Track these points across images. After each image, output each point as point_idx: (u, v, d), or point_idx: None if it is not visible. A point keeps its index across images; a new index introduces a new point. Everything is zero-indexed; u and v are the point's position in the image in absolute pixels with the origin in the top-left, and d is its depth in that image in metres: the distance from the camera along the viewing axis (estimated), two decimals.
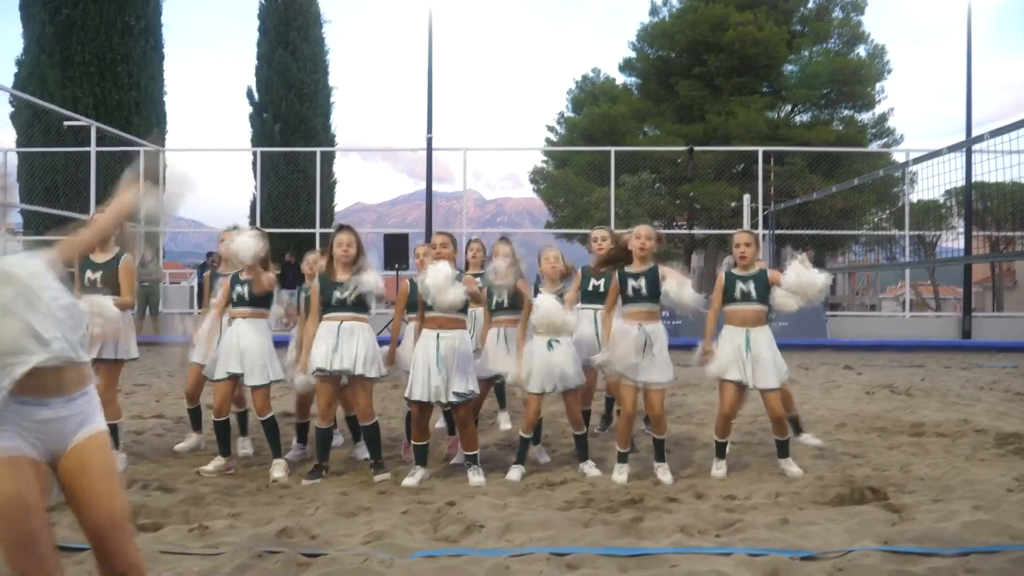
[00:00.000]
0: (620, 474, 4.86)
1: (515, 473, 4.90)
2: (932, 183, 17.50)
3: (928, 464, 5.08)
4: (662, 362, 4.79)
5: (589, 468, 5.00)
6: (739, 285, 5.00)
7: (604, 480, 4.81)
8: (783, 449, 4.97)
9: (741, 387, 4.93)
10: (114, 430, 5.08)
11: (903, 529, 3.63)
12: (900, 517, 3.87)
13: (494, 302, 5.41)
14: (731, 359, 4.90)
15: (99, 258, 5.05)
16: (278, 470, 4.90)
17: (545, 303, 4.93)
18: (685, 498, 4.37)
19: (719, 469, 4.94)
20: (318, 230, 18.48)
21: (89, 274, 5.00)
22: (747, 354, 4.86)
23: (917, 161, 10.97)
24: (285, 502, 4.31)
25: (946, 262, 22.51)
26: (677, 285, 4.76)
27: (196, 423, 5.83)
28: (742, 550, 3.37)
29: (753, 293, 4.95)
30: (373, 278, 4.88)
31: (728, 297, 5.04)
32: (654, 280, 4.83)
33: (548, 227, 27.69)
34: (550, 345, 4.95)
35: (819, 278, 4.82)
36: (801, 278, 4.82)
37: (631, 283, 4.85)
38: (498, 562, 3.25)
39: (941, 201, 21.25)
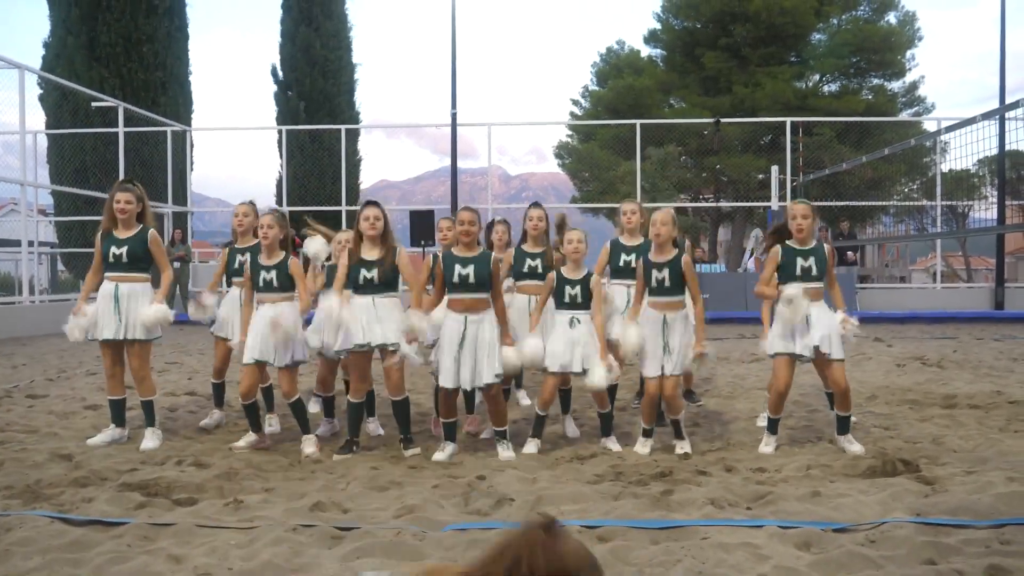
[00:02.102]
0: (643, 447, 4.86)
1: (531, 447, 4.91)
2: (964, 152, 17.19)
3: (961, 436, 5.02)
4: (679, 353, 4.76)
5: (612, 443, 5.01)
6: (800, 261, 4.77)
7: (632, 454, 4.82)
8: (844, 425, 4.82)
9: (794, 362, 4.80)
10: (149, 407, 5.20)
11: (936, 501, 3.60)
12: (933, 489, 3.83)
13: (526, 266, 5.46)
14: (784, 332, 4.77)
15: (123, 234, 5.11)
16: (309, 446, 4.96)
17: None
18: (715, 471, 4.37)
19: (768, 446, 4.83)
20: (344, 208, 18.56)
21: (114, 250, 5.07)
22: (807, 328, 4.69)
23: (949, 130, 10.74)
24: (317, 477, 4.38)
25: (978, 232, 22.08)
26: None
27: (219, 400, 5.92)
28: (773, 522, 3.37)
29: (815, 270, 4.76)
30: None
31: (787, 274, 4.80)
32: (678, 269, 4.78)
33: (573, 202, 27.56)
34: (572, 323, 4.93)
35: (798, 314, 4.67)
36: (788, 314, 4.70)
37: (655, 274, 4.80)
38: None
39: (973, 170, 20.81)
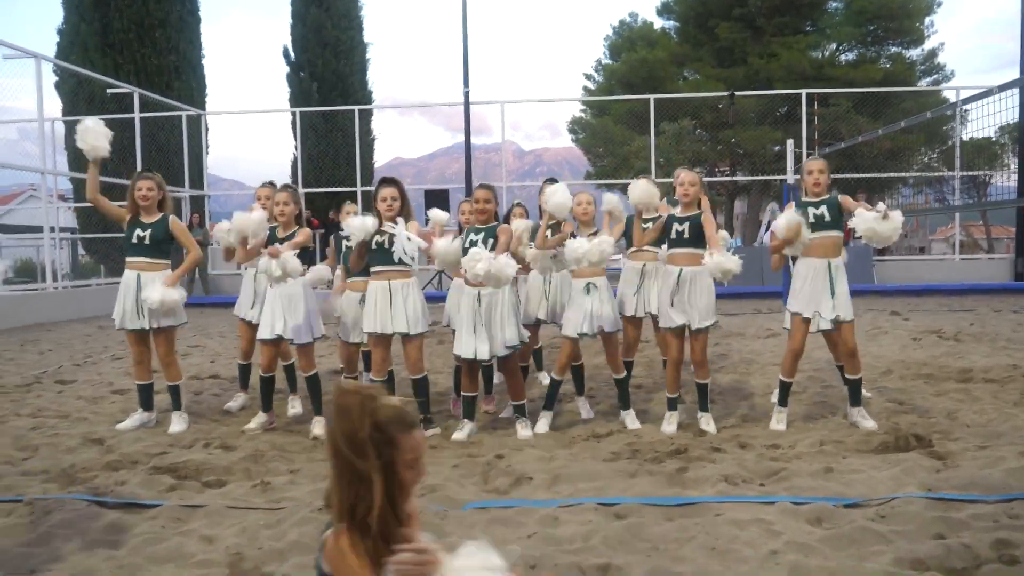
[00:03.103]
0: (669, 424, 4.93)
1: (543, 424, 5.01)
2: (984, 121, 16.89)
3: (975, 411, 5.06)
4: (703, 306, 4.84)
5: (630, 420, 5.09)
6: (811, 211, 4.87)
7: (649, 431, 4.90)
8: (856, 394, 4.89)
9: (809, 323, 4.89)
10: (176, 391, 5.33)
11: (947, 476, 3.66)
12: (944, 464, 3.89)
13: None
14: (803, 290, 4.85)
15: (147, 219, 5.24)
16: (318, 427, 5.06)
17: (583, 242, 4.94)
18: (729, 448, 4.45)
19: (779, 422, 4.89)
20: (359, 188, 18.63)
21: (139, 232, 5.19)
22: (824, 287, 4.78)
23: (967, 101, 10.59)
24: None
25: (997, 205, 21.81)
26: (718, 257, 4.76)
27: (244, 382, 6.06)
28: (786, 498, 3.44)
29: (827, 216, 4.83)
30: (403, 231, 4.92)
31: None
32: (698, 225, 4.87)
33: (588, 177, 27.48)
34: (588, 290, 5.01)
35: (889, 228, 4.64)
36: (871, 227, 4.66)
37: (676, 227, 4.91)
38: (548, 513, 3.37)
39: (994, 138, 20.50)
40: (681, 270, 4.88)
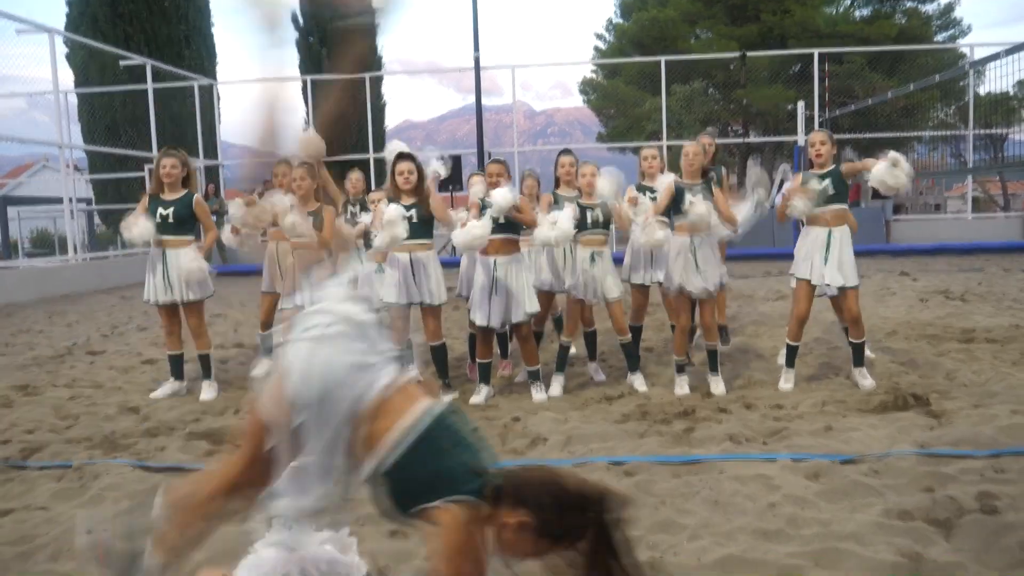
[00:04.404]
0: (681, 387, 5.13)
1: (556, 387, 5.24)
2: (1001, 72, 16.66)
3: (974, 370, 5.23)
4: (711, 273, 5.03)
5: (638, 383, 5.29)
6: (816, 184, 5.00)
7: (658, 394, 5.11)
8: (859, 356, 5.06)
9: (814, 288, 5.07)
10: (206, 360, 5.59)
11: (940, 433, 3.86)
12: (939, 422, 4.08)
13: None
14: (807, 257, 5.02)
15: (169, 196, 5.41)
16: None
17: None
18: (735, 408, 4.65)
19: (787, 382, 5.08)
20: (371, 155, 18.74)
21: (161, 210, 5.37)
22: (826, 254, 4.94)
23: (976, 64, 10.54)
24: None
25: (1013, 166, 21.60)
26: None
27: (268, 350, 6.30)
28: (786, 455, 3.66)
29: (831, 189, 4.97)
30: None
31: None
32: (707, 192, 5.06)
33: (599, 139, 27.41)
34: (592, 259, 5.19)
35: (897, 176, 4.77)
36: (881, 178, 4.80)
37: (687, 196, 5.06)
38: (563, 472, 3.60)
39: (1012, 93, 20.25)
40: (690, 238, 5.05)
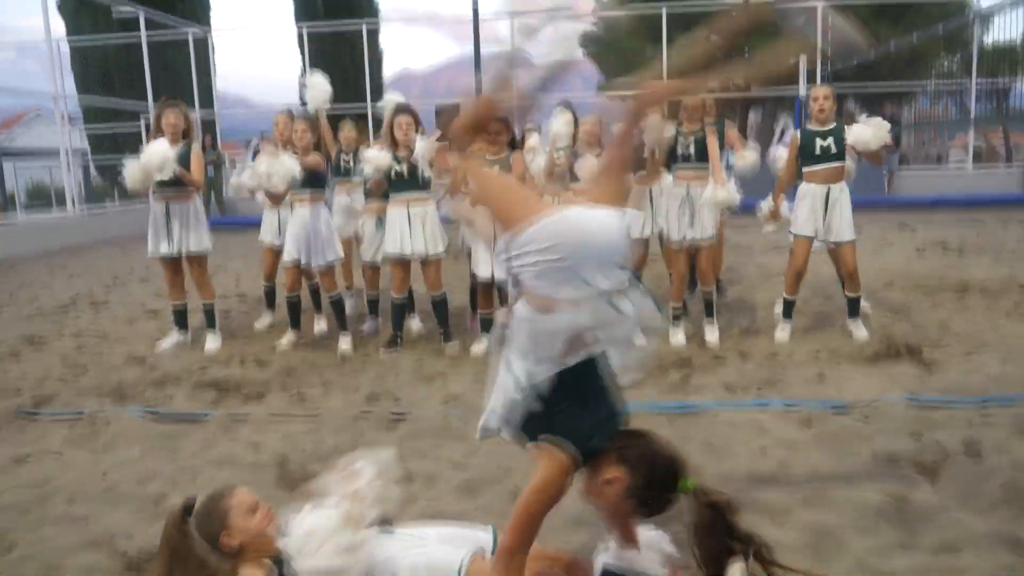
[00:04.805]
0: (676, 336, 5.23)
1: None
2: (1007, 22, 16.42)
3: (967, 321, 5.32)
4: (708, 222, 5.09)
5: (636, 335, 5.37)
6: (818, 141, 5.02)
7: (656, 344, 5.18)
8: (854, 308, 5.13)
9: (811, 243, 5.13)
10: (211, 310, 5.66)
11: (930, 382, 3.96)
12: (931, 371, 4.18)
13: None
14: (808, 216, 5.05)
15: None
16: (344, 344, 5.39)
17: (587, 162, 5.08)
18: (731, 357, 4.75)
19: (783, 331, 5.15)
20: (369, 105, 18.56)
21: None
22: (824, 211, 4.99)
23: (984, 13, 10.41)
24: (368, 371, 4.83)
25: (1017, 117, 21.44)
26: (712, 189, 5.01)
27: (270, 302, 6.38)
28: (778, 402, 3.76)
29: (833, 148, 4.99)
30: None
31: (807, 155, 5.07)
32: (703, 143, 5.06)
33: (600, 89, 27.10)
34: None
35: (870, 133, 4.89)
36: (856, 136, 4.91)
37: (681, 145, 5.09)
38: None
39: (1019, 42, 19.97)
40: (688, 187, 5.09)
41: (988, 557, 2.32)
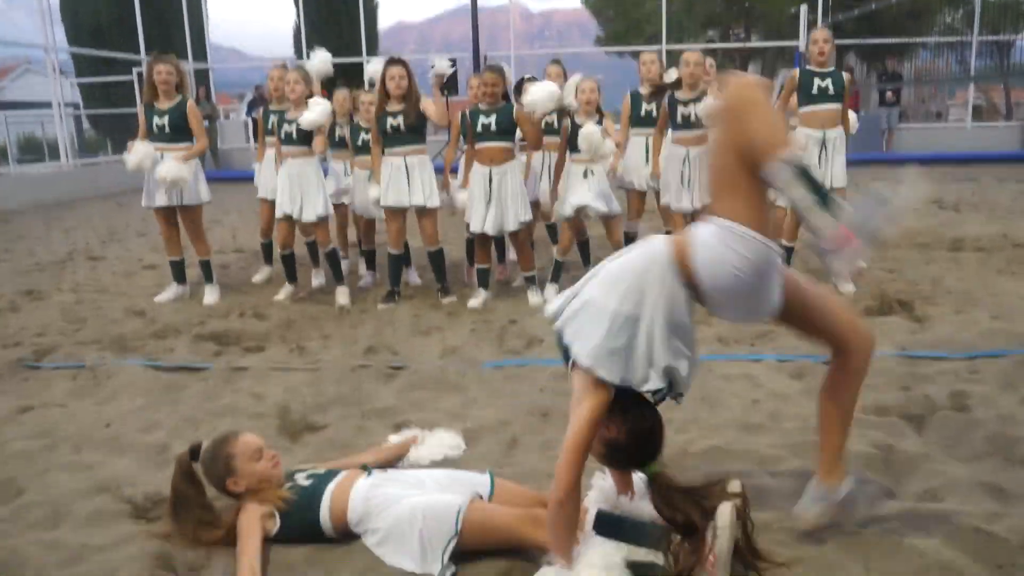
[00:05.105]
0: None
1: (551, 291, 5.36)
2: None
3: (959, 277, 5.36)
4: (702, 187, 5.09)
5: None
6: (816, 81, 4.99)
7: None
8: None
9: None
10: (207, 265, 5.68)
11: (921, 337, 4.01)
12: (922, 326, 4.24)
13: (543, 124, 5.69)
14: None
15: (164, 105, 5.37)
16: (342, 296, 5.43)
17: (586, 128, 5.06)
18: None
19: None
20: (364, 58, 18.30)
21: (157, 120, 5.34)
22: (820, 155, 4.99)
23: None
24: (366, 324, 4.88)
25: (1018, 73, 21.26)
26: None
27: (267, 256, 6.40)
28: (771, 356, 3.82)
29: (831, 89, 4.98)
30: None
31: (805, 94, 5.04)
32: (704, 107, 5.03)
33: (598, 42, 26.74)
34: (585, 175, 5.21)
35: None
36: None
37: (680, 109, 5.06)
38: (559, 370, 3.74)
39: None
40: (688, 151, 5.07)
41: (971, 504, 2.39)
